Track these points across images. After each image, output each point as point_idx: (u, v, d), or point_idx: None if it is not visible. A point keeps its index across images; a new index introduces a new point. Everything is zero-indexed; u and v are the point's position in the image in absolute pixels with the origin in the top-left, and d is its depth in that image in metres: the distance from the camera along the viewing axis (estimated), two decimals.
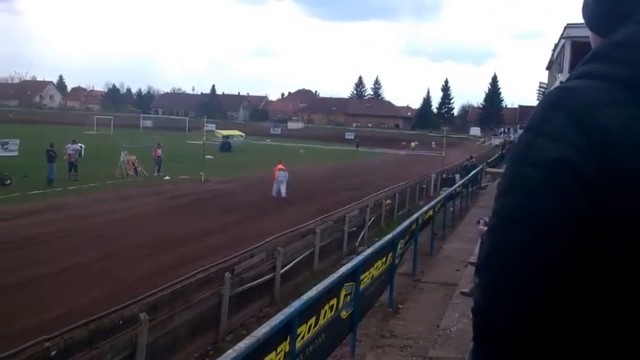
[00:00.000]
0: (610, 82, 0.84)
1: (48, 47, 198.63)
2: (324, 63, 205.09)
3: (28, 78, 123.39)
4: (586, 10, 1.00)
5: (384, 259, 7.32)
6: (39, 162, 25.08)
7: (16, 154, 33.09)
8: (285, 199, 23.68)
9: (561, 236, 0.78)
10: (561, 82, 0.97)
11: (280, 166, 24.87)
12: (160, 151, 30.34)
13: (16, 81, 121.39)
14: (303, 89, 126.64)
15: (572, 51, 22.73)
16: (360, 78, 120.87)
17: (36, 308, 9.66)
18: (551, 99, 0.87)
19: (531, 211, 0.79)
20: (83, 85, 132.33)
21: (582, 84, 0.87)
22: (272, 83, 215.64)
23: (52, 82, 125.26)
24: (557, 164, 0.79)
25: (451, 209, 15.47)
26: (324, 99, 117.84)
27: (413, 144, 67.38)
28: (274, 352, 4.01)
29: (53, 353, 6.17)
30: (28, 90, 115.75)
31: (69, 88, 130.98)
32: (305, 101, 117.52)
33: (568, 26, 23.46)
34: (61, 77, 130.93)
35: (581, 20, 1.02)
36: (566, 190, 0.79)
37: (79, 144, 27.61)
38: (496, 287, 0.82)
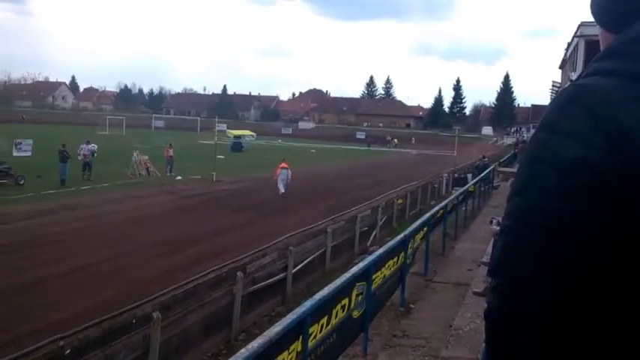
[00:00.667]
0: (627, 79, 0.82)
1: (60, 48, 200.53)
2: (335, 63, 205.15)
3: (40, 79, 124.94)
4: (595, 6, 0.97)
5: (396, 258, 7.30)
6: (52, 162, 25.31)
7: (29, 154, 33.40)
8: (283, 194, 24.08)
9: (579, 238, 0.76)
10: (571, 80, 0.95)
11: (283, 165, 25.18)
12: (171, 151, 30.54)
13: (29, 82, 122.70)
14: (314, 89, 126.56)
15: (586, 49, 22.47)
16: (372, 77, 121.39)
17: (49, 307, 9.74)
18: (567, 96, 0.84)
19: (548, 213, 0.77)
20: (95, 86, 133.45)
21: (598, 81, 0.84)
22: (283, 83, 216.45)
23: (64, 83, 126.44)
24: (575, 164, 0.77)
25: (463, 209, 15.40)
26: (335, 99, 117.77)
27: (395, 141, 71.81)
28: (287, 351, 4.01)
29: (67, 352, 6.22)
30: (40, 91, 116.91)
31: (81, 89, 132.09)
32: (316, 101, 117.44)
33: (582, 24, 23.20)
34: (73, 78, 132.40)
35: None
36: (583, 191, 0.76)
37: (93, 144, 27.82)
38: (511, 290, 0.80)
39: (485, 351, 0.88)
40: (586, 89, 0.83)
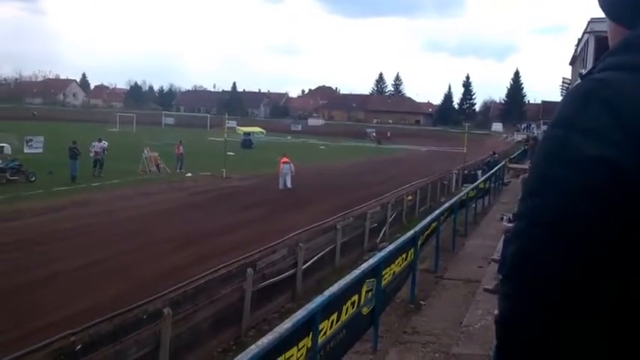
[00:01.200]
0: None
1: (71, 46, 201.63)
2: (345, 60, 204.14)
3: (51, 76, 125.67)
4: None
5: (405, 255, 7.27)
6: (63, 159, 25.48)
7: (40, 151, 33.72)
8: (290, 190, 24.47)
9: (599, 241, 0.72)
10: (582, 75, 0.89)
11: (285, 159, 25.68)
12: (181, 148, 30.68)
13: (40, 79, 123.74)
14: (324, 86, 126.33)
15: (596, 46, 22.25)
16: (381, 74, 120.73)
17: (60, 303, 9.80)
18: (584, 91, 0.79)
19: (565, 215, 0.73)
20: (106, 83, 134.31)
21: (615, 76, 0.79)
22: (292, 80, 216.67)
23: (75, 81, 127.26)
24: (595, 162, 0.72)
25: (473, 205, 15.31)
26: (345, 96, 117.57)
27: (373, 134, 75.38)
28: (296, 347, 4.01)
29: (78, 347, 6.26)
30: (51, 88, 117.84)
31: (92, 86, 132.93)
32: (325, 98, 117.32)
33: (592, 21, 22.97)
34: (84, 75, 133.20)
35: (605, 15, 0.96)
36: (604, 192, 0.72)
37: (104, 142, 28.03)
38: (526, 297, 0.76)
39: (497, 358, 0.83)
40: (603, 84, 0.78)
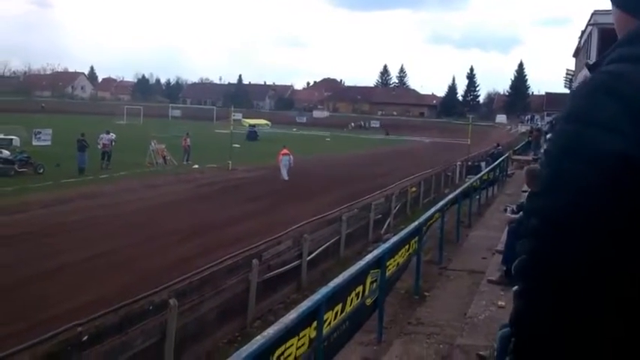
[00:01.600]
0: None
1: (79, 39, 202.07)
2: (350, 52, 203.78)
3: (60, 69, 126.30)
4: None
5: (407, 246, 7.28)
6: (71, 151, 25.58)
7: (49, 143, 33.88)
8: (286, 181, 24.96)
9: (617, 239, 0.70)
10: (588, 65, 0.88)
11: (285, 151, 26.25)
12: (188, 141, 30.76)
13: (48, 72, 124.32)
14: (329, 78, 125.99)
15: (600, 38, 22.17)
16: (385, 66, 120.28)
17: (67, 294, 9.87)
18: (599, 85, 0.77)
19: (582, 212, 0.71)
20: (113, 76, 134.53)
21: (627, 68, 0.77)
22: (298, 72, 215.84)
23: (83, 73, 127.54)
24: (612, 159, 0.70)
25: (477, 197, 15.27)
26: (350, 88, 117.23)
27: (352, 124, 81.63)
28: (297, 337, 4.03)
29: (85, 338, 6.31)
30: (60, 81, 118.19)
31: (100, 79, 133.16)
32: (330, 90, 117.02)
33: (595, 13, 22.85)
34: (92, 68, 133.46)
35: (608, 7, 0.94)
36: (622, 188, 0.70)
37: (112, 134, 28.13)
38: (543, 297, 0.74)
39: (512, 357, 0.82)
40: (619, 77, 0.77)
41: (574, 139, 0.74)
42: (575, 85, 35.86)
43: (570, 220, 0.72)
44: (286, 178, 25.46)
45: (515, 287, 0.81)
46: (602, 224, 0.70)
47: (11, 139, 29.63)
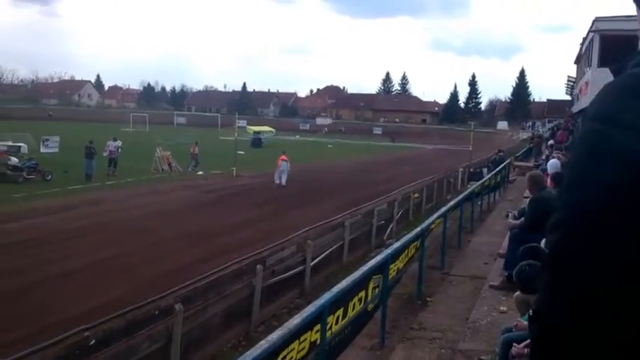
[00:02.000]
0: None
1: (86, 48, 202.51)
2: (353, 60, 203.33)
3: (67, 78, 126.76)
4: None
5: (406, 251, 7.33)
6: (78, 158, 25.73)
7: (56, 150, 34.09)
8: (284, 187, 25.19)
9: (638, 235, 0.71)
10: (612, 69, 0.87)
11: (283, 157, 26.55)
12: (197, 149, 30.90)
13: (55, 80, 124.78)
14: (332, 86, 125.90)
15: (601, 45, 22.07)
16: (388, 74, 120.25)
17: (75, 299, 9.95)
18: (625, 86, 0.79)
19: (608, 207, 0.72)
20: (119, 84, 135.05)
21: None
22: (301, 80, 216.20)
23: (89, 82, 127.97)
24: (636, 157, 0.71)
25: (479, 203, 15.30)
26: (352, 95, 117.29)
27: (325, 129, 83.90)
28: (297, 341, 4.07)
29: (92, 342, 6.37)
30: (67, 89, 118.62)
31: (106, 87, 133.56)
32: (333, 97, 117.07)
33: (597, 19, 22.75)
34: (98, 76, 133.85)
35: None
36: None
37: (118, 141, 28.31)
38: (563, 287, 0.75)
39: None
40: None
41: (599, 138, 0.76)
42: (575, 91, 35.75)
43: (592, 215, 0.73)
44: (283, 183, 25.74)
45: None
46: (623, 220, 0.72)
47: (19, 147, 29.81)
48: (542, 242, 5.24)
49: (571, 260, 0.75)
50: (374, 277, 5.82)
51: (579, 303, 0.73)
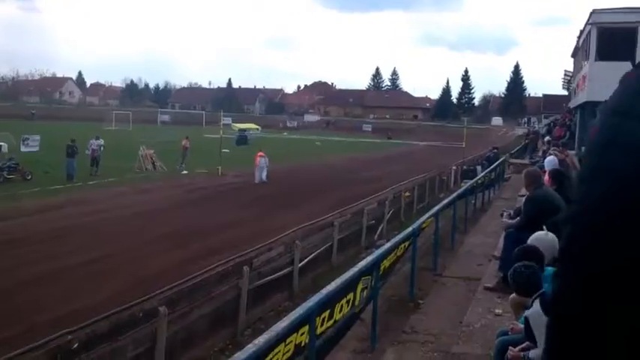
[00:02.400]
0: None
1: (67, 44, 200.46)
2: (341, 55, 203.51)
3: (48, 75, 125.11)
4: None
5: (395, 250, 7.22)
6: (60, 158, 25.36)
7: (37, 149, 33.57)
8: (266, 183, 25.52)
9: None
10: (634, 64, 0.86)
11: (261, 153, 26.90)
12: (188, 143, 30.69)
13: (36, 77, 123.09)
14: (320, 82, 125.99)
15: (599, 37, 21.92)
16: (377, 69, 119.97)
17: (56, 302, 9.76)
18: (638, 80, 0.79)
19: (622, 201, 0.73)
20: (102, 81, 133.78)
21: None
22: (288, 76, 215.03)
23: (71, 79, 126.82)
24: None
25: (473, 202, 15.19)
26: (341, 91, 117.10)
27: (287, 124, 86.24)
28: (283, 343, 3.99)
29: (75, 346, 6.25)
30: (48, 86, 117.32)
31: (88, 84, 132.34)
32: (321, 94, 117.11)
33: (594, 12, 22.63)
34: (80, 73, 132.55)
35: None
36: None
37: (101, 139, 27.93)
38: (574, 277, 0.76)
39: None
40: None
41: (614, 131, 0.76)
42: (572, 86, 35.72)
43: (607, 207, 0.74)
44: (264, 179, 25.93)
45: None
46: (638, 212, 0.72)
47: (0, 146, 29.33)
48: (530, 239, 5.14)
49: (585, 252, 0.75)
50: (363, 278, 5.70)
51: (594, 294, 0.74)
